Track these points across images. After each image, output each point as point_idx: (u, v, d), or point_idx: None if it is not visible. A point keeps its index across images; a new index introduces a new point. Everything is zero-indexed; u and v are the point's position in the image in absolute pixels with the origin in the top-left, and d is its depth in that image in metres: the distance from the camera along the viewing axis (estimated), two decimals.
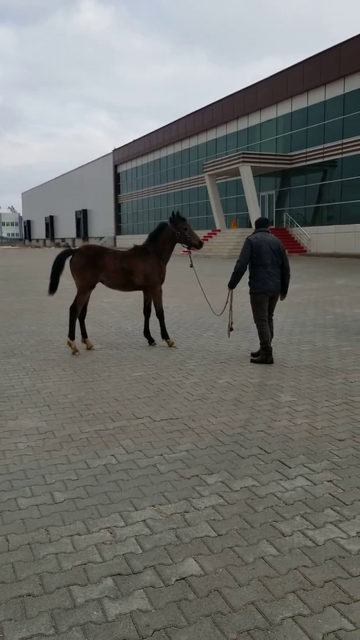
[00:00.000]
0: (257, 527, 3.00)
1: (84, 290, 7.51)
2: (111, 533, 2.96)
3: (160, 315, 7.75)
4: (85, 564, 2.69)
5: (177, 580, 2.56)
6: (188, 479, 3.58)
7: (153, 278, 7.61)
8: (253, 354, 6.85)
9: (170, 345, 7.71)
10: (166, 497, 3.34)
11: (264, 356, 6.68)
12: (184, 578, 2.58)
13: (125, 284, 7.62)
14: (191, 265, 8.00)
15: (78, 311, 7.57)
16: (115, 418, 4.78)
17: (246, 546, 2.82)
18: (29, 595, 2.47)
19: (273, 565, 2.67)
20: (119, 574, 2.61)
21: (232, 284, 6.89)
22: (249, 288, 6.82)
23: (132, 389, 5.67)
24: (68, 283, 7.57)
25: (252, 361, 6.72)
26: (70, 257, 7.54)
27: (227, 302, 7.07)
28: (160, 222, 7.98)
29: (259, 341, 6.75)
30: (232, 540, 2.88)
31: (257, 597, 2.44)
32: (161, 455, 3.97)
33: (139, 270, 7.53)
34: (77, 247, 7.82)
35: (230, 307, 7.07)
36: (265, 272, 6.69)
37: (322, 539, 2.87)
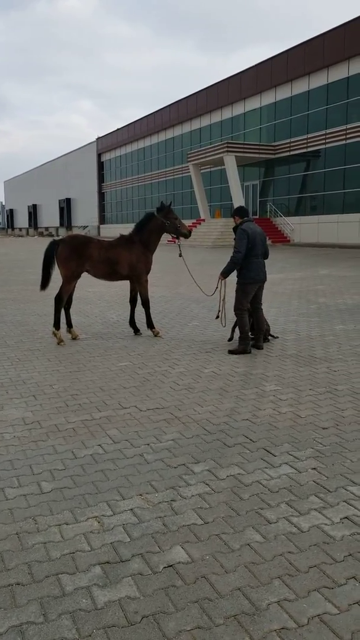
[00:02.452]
0: (243, 515, 3.04)
1: (69, 280, 7.47)
2: (99, 522, 2.98)
3: (146, 305, 7.75)
4: (73, 552, 2.71)
5: (164, 567, 2.60)
6: (175, 467, 3.61)
7: (139, 268, 7.59)
8: (230, 351, 6.82)
9: (156, 335, 7.72)
10: (153, 486, 3.37)
11: (243, 346, 6.72)
12: (171, 565, 2.61)
13: (110, 273, 7.60)
14: (180, 255, 7.98)
15: (63, 301, 7.54)
16: (102, 408, 4.80)
17: (232, 533, 2.87)
18: (18, 584, 2.48)
19: (259, 551, 2.71)
20: (107, 562, 2.63)
21: (227, 274, 6.87)
22: (237, 278, 6.84)
23: (118, 379, 5.68)
24: (53, 273, 7.52)
25: (230, 352, 6.71)
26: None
27: (217, 288, 7.07)
28: (147, 211, 7.95)
29: (239, 331, 6.77)
30: (219, 527, 2.92)
31: (243, 583, 2.48)
32: (148, 444, 4.00)
33: (124, 260, 7.51)
34: (62, 237, 7.77)
35: (223, 296, 7.07)
36: (257, 262, 6.77)
37: (306, 526, 2.92)
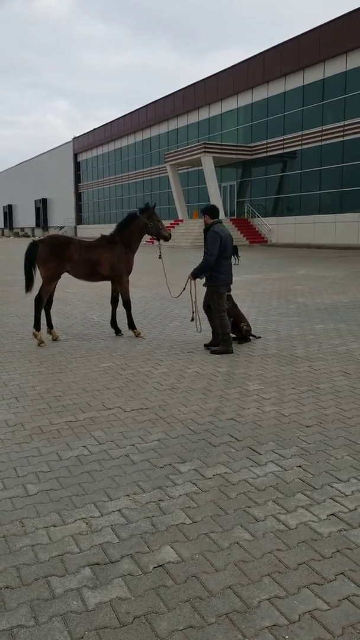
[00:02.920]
0: (231, 513, 3.05)
1: (49, 281, 7.41)
2: (87, 523, 2.96)
3: (127, 305, 7.73)
4: (62, 554, 2.68)
5: (154, 567, 2.59)
6: (161, 467, 3.61)
7: (120, 268, 7.56)
8: (209, 347, 6.84)
9: (137, 335, 7.70)
10: (140, 487, 3.36)
11: (225, 347, 6.74)
12: (161, 565, 2.61)
13: (91, 274, 7.56)
14: (160, 256, 7.97)
15: (43, 302, 7.48)
16: (85, 409, 4.77)
17: (221, 532, 2.87)
18: (7, 587, 2.45)
19: (248, 549, 2.72)
20: (97, 564, 2.62)
21: (197, 276, 6.86)
22: (209, 281, 6.85)
23: (101, 380, 5.65)
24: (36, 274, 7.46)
25: (212, 352, 6.74)
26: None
27: (184, 289, 7.09)
28: (130, 211, 7.90)
29: (220, 332, 6.79)
30: (207, 526, 2.93)
31: (234, 582, 2.49)
32: (133, 445, 3.98)
33: (105, 261, 7.47)
34: (41, 238, 7.70)
35: (195, 298, 7.07)
36: (227, 265, 6.85)
37: (294, 523, 2.95)
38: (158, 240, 7.85)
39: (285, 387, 5.31)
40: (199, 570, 2.57)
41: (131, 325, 7.74)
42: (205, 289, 7.08)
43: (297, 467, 3.60)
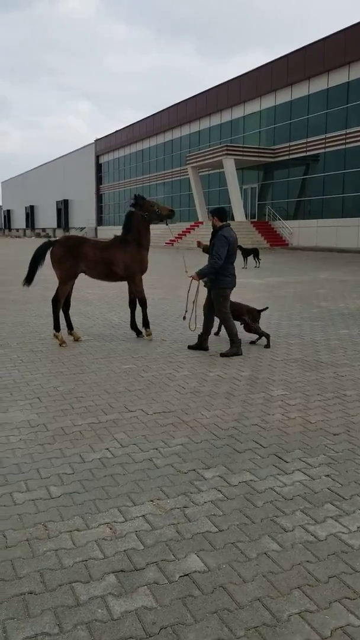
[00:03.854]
0: (258, 523, 2.97)
1: (65, 281, 7.38)
2: (111, 529, 2.91)
3: (143, 304, 7.66)
4: (86, 560, 2.64)
5: (181, 576, 2.53)
6: (185, 473, 3.54)
7: (133, 267, 7.49)
8: (222, 354, 6.76)
9: (147, 335, 7.62)
10: (164, 492, 3.30)
11: (235, 349, 6.71)
12: (187, 574, 2.54)
13: (107, 274, 7.51)
14: (186, 271, 7.83)
15: (60, 303, 7.45)
16: (108, 411, 4.72)
17: (248, 542, 2.80)
18: (31, 593, 2.41)
19: (276, 560, 2.65)
20: (122, 571, 2.56)
21: (203, 277, 6.78)
22: (214, 284, 6.77)
23: (122, 382, 5.61)
24: (52, 273, 7.45)
25: (222, 355, 6.68)
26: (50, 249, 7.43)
27: (190, 291, 7.07)
28: (128, 210, 7.82)
29: (228, 335, 6.78)
30: (234, 535, 2.86)
31: (262, 594, 2.42)
32: (156, 449, 3.93)
33: (119, 260, 7.41)
34: (57, 238, 7.70)
35: (194, 298, 7.06)
36: (233, 268, 6.84)
37: (323, 534, 2.86)
38: (165, 223, 7.80)
39: (310, 393, 5.21)
40: (226, 581, 2.50)
41: (146, 323, 7.66)
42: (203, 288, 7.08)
43: (325, 476, 3.51)
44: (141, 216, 7.50)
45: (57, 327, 7.35)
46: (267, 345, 7.15)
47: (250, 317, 7.30)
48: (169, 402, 4.96)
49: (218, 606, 2.34)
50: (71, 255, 7.29)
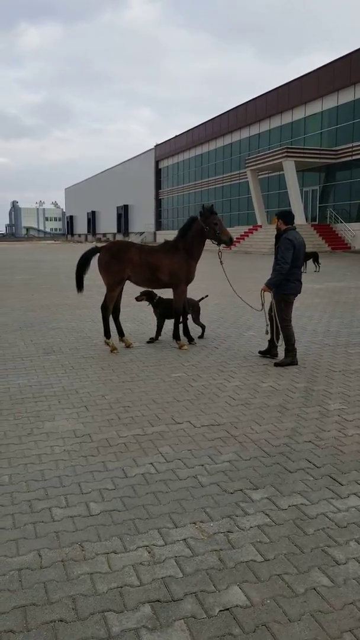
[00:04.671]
0: (307, 552, 2.74)
1: (112, 287, 7.31)
2: (149, 552, 2.76)
3: (176, 314, 7.45)
4: (121, 587, 2.49)
5: (220, 610, 2.34)
6: (231, 493, 3.35)
7: (179, 276, 7.25)
8: (277, 363, 6.52)
9: (180, 347, 7.36)
10: (208, 514, 3.12)
11: (290, 358, 6.46)
12: (228, 609, 2.35)
13: (151, 279, 7.33)
14: (221, 262, 7.57)
15: (109, 309, 7.39)
16: (154, 422, 4.59)
17: (296, 574, 2.58)
18: (61, 620, 2.29)
19: (327, 597, 2.42)
20: (158, 601, 2.40)
21: (273, 286, 6.49)
22: (277, 289, 6.49)
23: (171, 391, 5.46)
24: (96, 279, 7.44)
25: (276, 365, 6.45)
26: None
27: (264, 303, 6.80)
28: (191, 216, 7.55)
29: (285, 344, 6.50)
30: (281, 566, 2.64)
31: (309, 636, 2.20)
32: (202, 465, 3.75)
33: (164, 267, 7.20)
34: (104, 244, 7.67)
35: (269, 309, 6.74)
36: (299, 273, 6.55)
37: None
38: (218, 244, 7.33)
39: None
40: (269, 619, 2.29)
41: (176, 335, 7.44)
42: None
43: None
44: (201, 227, 7.20)
45: (107, 334, 7.31)
46: (202, 336, 7.99)
47: (192, 310, 7.87)
48: (218, 415, 4.77)
49: None
50: (117, 261, 7.21)
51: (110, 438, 4.26)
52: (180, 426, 4.50)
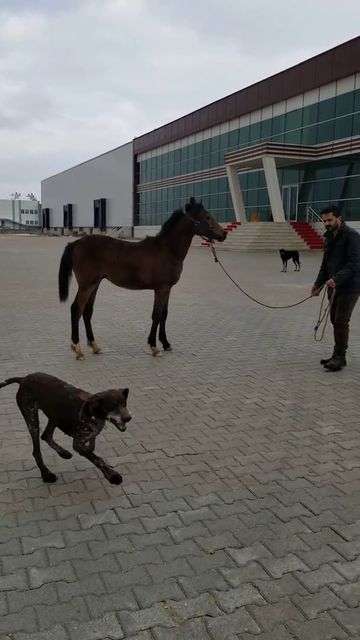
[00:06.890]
0: None
1: (85, 286, 6.58)
2: None
3: (155, 316, 6.75)
4: None
5: None
6: (211, 554, 2.68)
7: (162, 276, 6.56)
8: (327, 364, 6.18)
9: (154, 354, 6.68)
10: (181, 586, 2.44)
11: (340, 361, 6.18)
12: None
13: (130, 280, 6.61)
14: (216, 260, 6.98)
15: (80, 310, 6.67)
16: (120, 451, 3.89)
17: None
18: None
19: None
20: None
21: (343, 282, 6.02)
22: (347, 288, 6.08)
23: (142, 409, 4.77)
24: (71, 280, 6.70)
25: (327, 369, 6.12)
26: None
27: (324, 302, 6.44)
28: (175, 210, 6.84)
29: (336, 345, 6.23)
30: None
31: None
32: (175, 512, 3.06)
33: (146, 266, 6.50)
34: (78, 239, 6.91)
35: (327, 305, 6.37)
36: None
37: None
38: (210, 241, 6.73)
39: None
40: None
41: (152, 339, 6.74)
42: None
43: None
44: (190, 222, 6.50)
45: (75, 338, 6.58)
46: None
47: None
48: (195, 440, 4.09)
49: None
50: (91, 258, 6.49)
51: (65, 472, 3.55)
52: (150, 455, 3.81)
